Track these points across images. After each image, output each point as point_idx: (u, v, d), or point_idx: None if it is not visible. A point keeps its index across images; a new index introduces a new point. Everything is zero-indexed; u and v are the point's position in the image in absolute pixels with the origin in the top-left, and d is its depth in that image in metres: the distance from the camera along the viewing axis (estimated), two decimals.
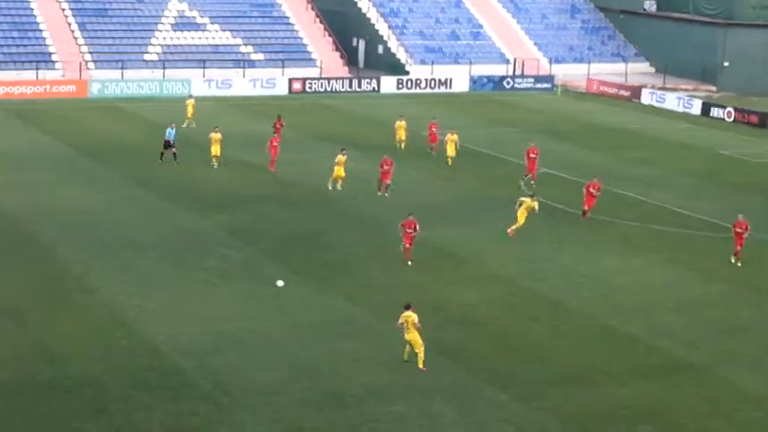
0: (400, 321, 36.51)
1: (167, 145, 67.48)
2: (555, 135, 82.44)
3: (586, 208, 56.42)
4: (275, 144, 65.82)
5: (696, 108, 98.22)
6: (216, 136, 65.75)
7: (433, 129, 72.57)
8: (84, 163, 67.41)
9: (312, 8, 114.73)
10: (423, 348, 36.19)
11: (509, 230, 52.02)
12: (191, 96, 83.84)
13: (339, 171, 60.17)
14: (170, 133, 67.64)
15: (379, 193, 59.58)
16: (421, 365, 36.08)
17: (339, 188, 60.46)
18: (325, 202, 59.13)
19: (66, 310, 41.45)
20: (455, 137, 68.79)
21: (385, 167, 59.22)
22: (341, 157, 60.42)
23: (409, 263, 47.41)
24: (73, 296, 43.18)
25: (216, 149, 65.52)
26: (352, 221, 55.45)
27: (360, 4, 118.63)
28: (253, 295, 43.60)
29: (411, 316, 36.32)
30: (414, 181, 63.98)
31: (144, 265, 47.08)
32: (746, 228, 49.65)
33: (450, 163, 68.32)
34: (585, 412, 33.93)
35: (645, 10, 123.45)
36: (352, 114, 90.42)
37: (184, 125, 77.74)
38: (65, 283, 44.75)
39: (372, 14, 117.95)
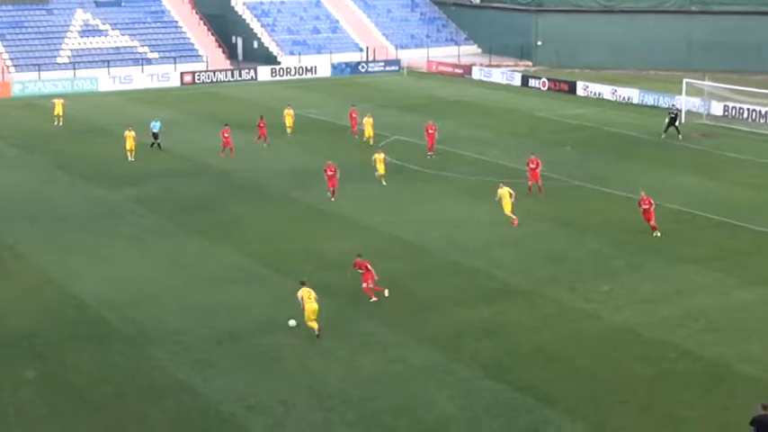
0: (300, 295, 33.77)
1: (155, 136, 64.92)
2: (404, 108, 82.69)
3: (531, 183, 52.61)
4: (226, 135, 62.17)
5: (517, 80, 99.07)
6: (130, 133, 62.27)
7: (353, 114, 70.18)
8: (10, 151, 66.02)
9: (196, 13, 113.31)
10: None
11: (514, 222, 46.59)
12: (59, 97, 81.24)
13: (380, 168, 54.36)
14: (154, 125, 65.12)
15: (333, 199, 51.59)
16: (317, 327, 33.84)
17: (384, 183, 54.74)
18: (215, 173, 58.65)
19: (0, 275, 40.78)
20: (371, 119, 66.20)
21: (329, 173, 51.81)
22: (378, 156, 54.82)
23: (373, 298, 37.63)
24: (6, 263, 42.41)
25: (131, 144, 61.93)
26: (238, 188, 55.10)
27: (236, 8, 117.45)
28: (160, 253, 43.27)
29: (311, 291, 33.80)
30: (288, 152, 63.70)
31: (68, 234, 46.37)
32: (651, 202, 45.12)
33: (370, 143, 64.88)
34: (439, 332, 34.30)
35: (471, 2, 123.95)
36: (235, 99, 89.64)
37: (55, 123, 75.74)
38: None
39: (247, 16, 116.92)
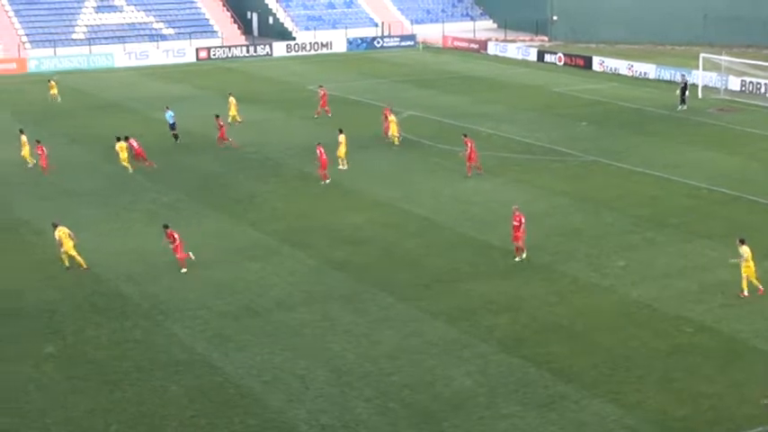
0: (58, 236, 37.86)
1: (171, 127, 61.06)
2: (419, 83, 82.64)
3: (470, 164, 51.57)
4: (40, 152, 54.13)
5: (532, 55, 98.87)
6: (22, 138, 55.76)
7: (323, 94, 67.84)
8: (25, 127, 65.97)
9: None
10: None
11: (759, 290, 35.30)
12: (52, 78, 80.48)
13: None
14: (166, 116, 61.46)
15: (324, 181, 50.46)
16: (85, 266, 38.15)
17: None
18: (227, 148, 58.70)
19: (18, 251, 41.08)
20: (394, 117, 60.56)
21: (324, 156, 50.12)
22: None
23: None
24: (24, 238, 42.62)
25: (25, 150, 55.24)
26: (252, 164, 55.17)
27: None
28: (178, 230, 43.24)
29: (65, 230, 38.05)
30: (296, 127, 63.63)
31: (84, 210, 46.52)
32: (521, 220, 38.79)
33: (395, 142, 59.09)
34: (455, 307, 34.33)
35: None
36: (250, 75, 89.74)
37: (59, 99, 75.85)
38: (15, 227, 44.20)
39: None
